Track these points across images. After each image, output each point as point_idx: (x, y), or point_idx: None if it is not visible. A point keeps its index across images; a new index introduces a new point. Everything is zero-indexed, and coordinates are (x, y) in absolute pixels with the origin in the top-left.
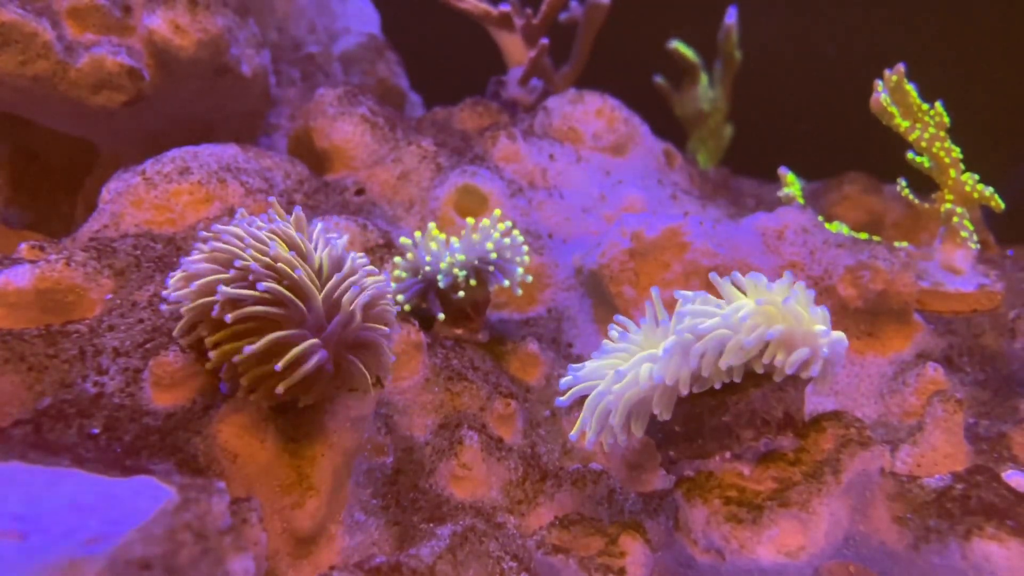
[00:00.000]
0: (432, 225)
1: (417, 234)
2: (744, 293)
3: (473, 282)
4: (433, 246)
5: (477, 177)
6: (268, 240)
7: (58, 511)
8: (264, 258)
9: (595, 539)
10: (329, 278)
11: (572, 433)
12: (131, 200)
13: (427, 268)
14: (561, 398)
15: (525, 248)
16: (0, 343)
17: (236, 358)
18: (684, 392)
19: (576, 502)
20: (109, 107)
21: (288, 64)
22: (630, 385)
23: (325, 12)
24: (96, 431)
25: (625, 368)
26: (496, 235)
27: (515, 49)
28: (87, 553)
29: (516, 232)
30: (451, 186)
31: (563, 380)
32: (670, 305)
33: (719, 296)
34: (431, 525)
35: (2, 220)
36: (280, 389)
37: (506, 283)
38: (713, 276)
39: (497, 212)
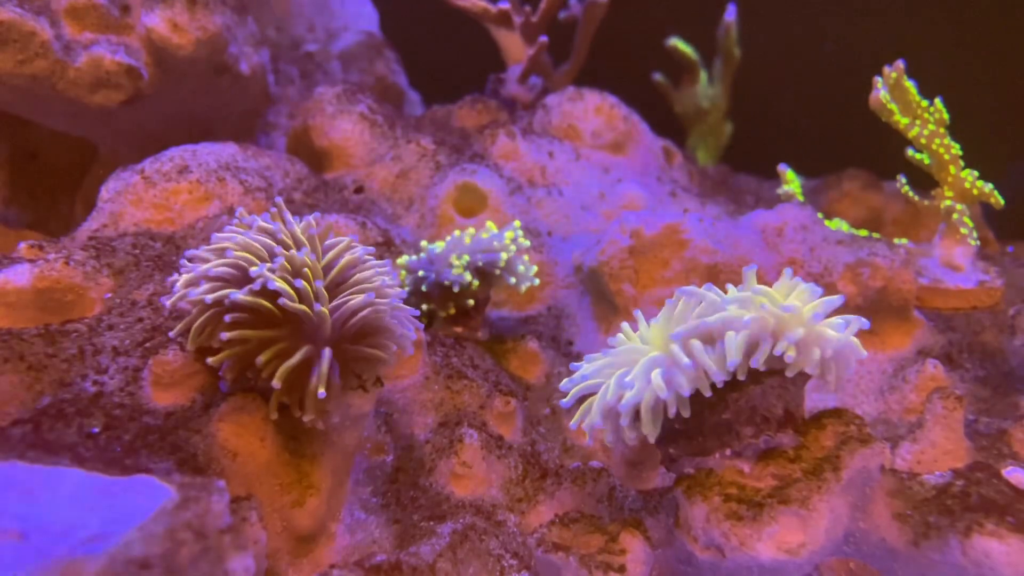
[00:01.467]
0: (440, 244)
1: (424, 244)
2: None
3: (476, 283)
4: (437, 246)
5: (476, 175)
6: (283, 242)
7: (58, 510)
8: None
9: (595, 537)
10: (342, 280)
11: (572, 422)
12: (130, 199)
13: (429, 266)
14: (564, 399)
15: (526, 257)
16: None
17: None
18: (708, 394)
19: (576, 500)
20: (107, 106)
21: (287, 62)
22: (641, 392)
23: (324, 10)
24: (96, 430)
25: (630, 379)
26: (508, 241)
27: (514, 47)
28: (87, 552)
29: (522, 239)
30: (450, 184)
31: (564, 383)
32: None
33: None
34: (431, 523)
35: (1, 220)
36: (322, 391)
37: (512, 280)
38: (746, 270)
39: (517, 224)
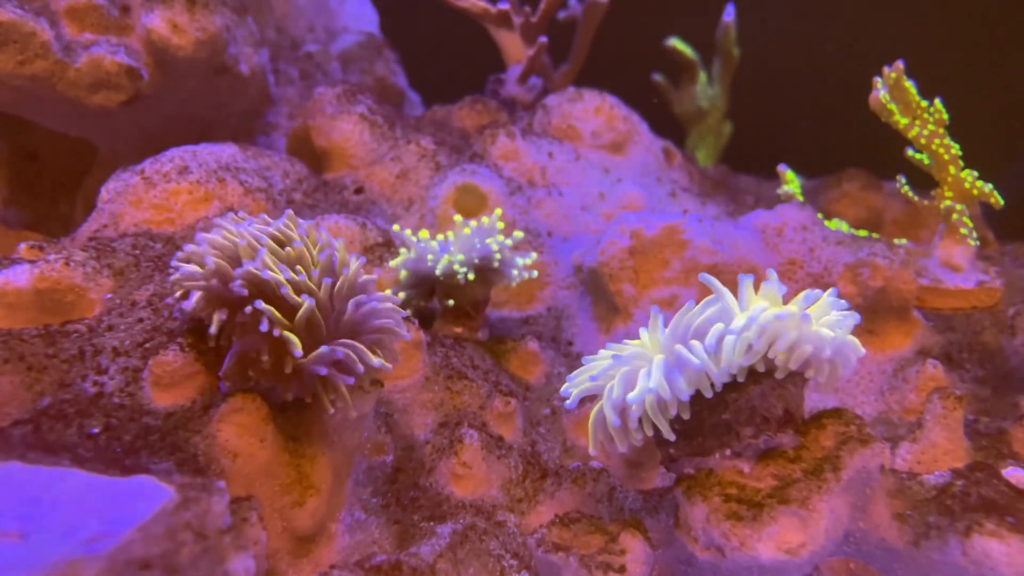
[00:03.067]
0: (424, 233)
1: (423, 233)
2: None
3: (471, 276)
4: (433, 244)
5: (476, 176)
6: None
7: (58, 511)
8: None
9: (595, 537)
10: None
11: (591, 449)
12: (130, 200)
13: (428, 261)
14: (568, 401)
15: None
16: None
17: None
18: (710, 395)
19: (576, 500)
20: (107, 107)
21: (287, 63)
22: (644, 392)
23: (324, 11)
24: (96, 431)
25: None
26: (500, 237)
27: (514, 47)
28: (87, 553)
29: (501, 236)
30: (450, 185)
31: (565, 388)
32: (669, 305)
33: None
34: (431, 523)
35: (1, 220)
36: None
37: (515, 272)
38: (746, 277)
39: (498, 211)
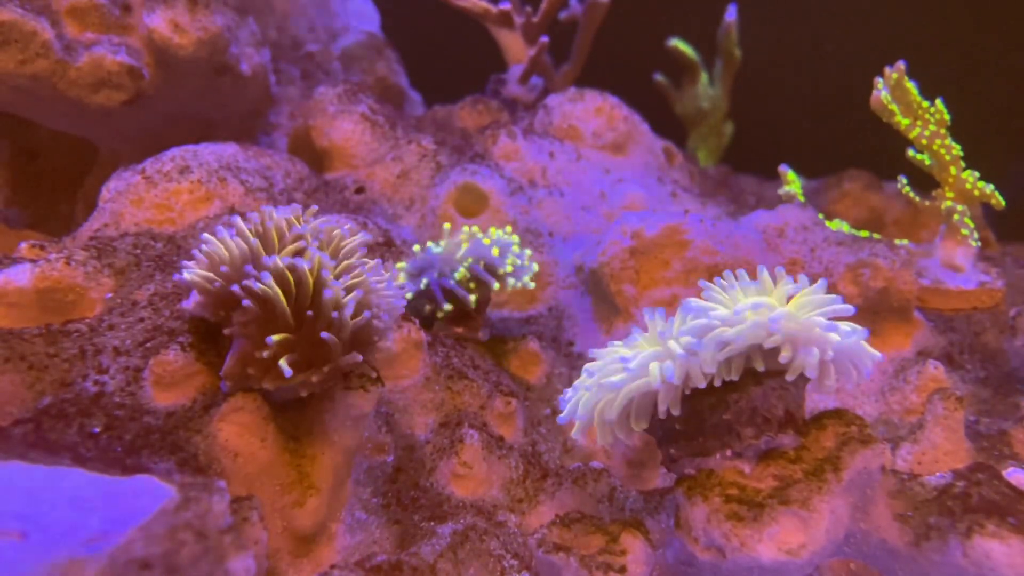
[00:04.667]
0: (447, 225)
1: (429, 243)
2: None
3: (472, 284)
4: (437, 247)
5: (477, 175)
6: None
7: (58, 510)
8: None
9: (596, 537)
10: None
11: (574, 432)
12: (131, 199)
13: (429, 267)
14: (562, 415)
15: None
16: (0, 342)
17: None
18: (702, 385)
19: (577, 500)
20: (108, 106)
21: (288, 63)
22: (636, 379)
23: (325, 11)
24: (96, 430)
25: (631, 360)
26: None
27: (515, 47)
28: (87, 552)
29: (516, 247)
30: (451, 184)
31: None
32: (669, 305)
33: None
34: (432, 524)
35: (2, 220)
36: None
37: (517, 284)
38: (765, 273)
39: (513, 234)
